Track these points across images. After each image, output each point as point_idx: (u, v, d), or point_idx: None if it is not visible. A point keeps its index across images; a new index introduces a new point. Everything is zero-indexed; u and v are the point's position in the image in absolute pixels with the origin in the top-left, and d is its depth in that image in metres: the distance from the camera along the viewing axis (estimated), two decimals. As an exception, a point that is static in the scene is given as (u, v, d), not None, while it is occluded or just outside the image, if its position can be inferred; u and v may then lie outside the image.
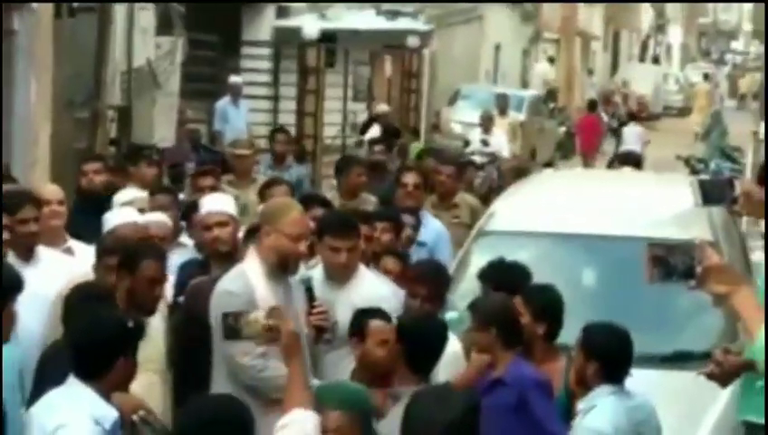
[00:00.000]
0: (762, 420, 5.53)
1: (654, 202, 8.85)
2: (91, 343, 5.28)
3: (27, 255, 7.49)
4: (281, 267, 6.64)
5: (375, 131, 18.95)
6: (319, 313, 6.70)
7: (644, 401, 6.07)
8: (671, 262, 4.38)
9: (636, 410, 5.94)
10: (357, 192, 10.66)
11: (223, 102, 19.59)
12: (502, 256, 7.17)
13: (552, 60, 39.83)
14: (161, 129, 16.98)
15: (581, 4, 43.16)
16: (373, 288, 7.05)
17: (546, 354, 6.63)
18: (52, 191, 8.46)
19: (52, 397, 5.34)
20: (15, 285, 5.71)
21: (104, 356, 5.25)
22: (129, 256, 6.95)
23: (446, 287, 7.49)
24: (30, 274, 7.08)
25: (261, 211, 7.47)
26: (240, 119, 19.28)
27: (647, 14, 55.16)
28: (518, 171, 15.70)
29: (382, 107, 21.57)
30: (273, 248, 6.64)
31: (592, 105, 32.69)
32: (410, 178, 10.08)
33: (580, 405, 5.93)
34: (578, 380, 6.07)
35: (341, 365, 6.76)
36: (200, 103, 20.41)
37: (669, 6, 58.53)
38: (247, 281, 6.63)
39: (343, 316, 6.84)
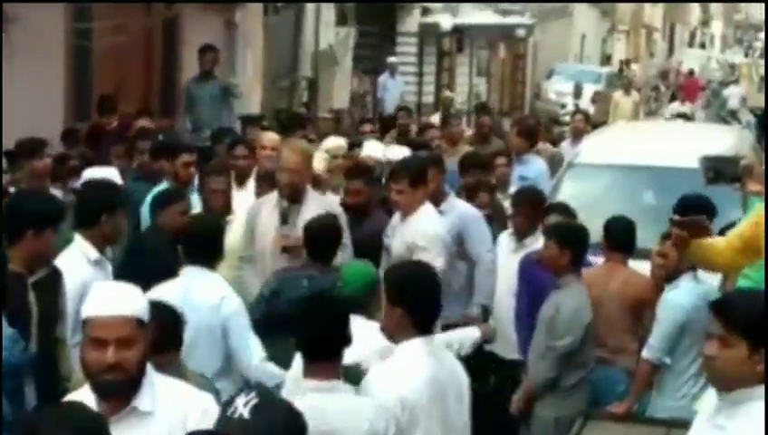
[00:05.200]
0: None
1: (702, 143, 8.61)
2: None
3: (241, 181, 7.35)
4: (279, 190, 6.18)
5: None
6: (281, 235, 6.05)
7: (714, 287, 5.46)
8: (722, 170, 4.23)
9: (710, 292, 5.21)
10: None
11: (383, 77, 19.50)
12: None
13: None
14: (338, 96, 17.13)
15: (647, 4, 42.27)
16: (421, 226, 6.20)
17: None
18: (270, 139, 8.03)
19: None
20: (120, 198, 5.33)
21: None
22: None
23: (542, 204, 6.88)
24: (241, 196, 7.01)
25: None
26: (396, 89, 19.14)
27: (695, 11, 53.70)
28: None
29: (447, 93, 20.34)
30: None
31: (691, 72, 33.82)
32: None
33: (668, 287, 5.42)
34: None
35: None
36: (366, 77, 20.50)
37: (713, 5, 56.88)
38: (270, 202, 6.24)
39: (396, 245, 6.20)
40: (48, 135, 8.16)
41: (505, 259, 6.70)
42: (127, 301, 3.15)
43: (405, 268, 4.45)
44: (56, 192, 6.96)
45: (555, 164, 10.02)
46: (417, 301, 4.03)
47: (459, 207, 6.84)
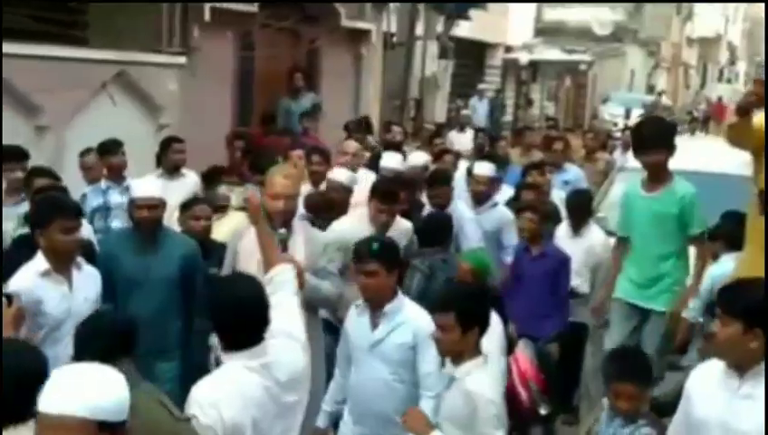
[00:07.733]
0: None
1: (726, 154, 8.19)
2: None
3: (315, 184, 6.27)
4: (269, 220, 4.24)
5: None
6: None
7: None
8: None
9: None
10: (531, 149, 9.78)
11: (474, 99, 19.24)
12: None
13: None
14: (439, 112, 17.07)
15: (684, 45, 41.04)
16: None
17: None
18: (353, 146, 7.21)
19: None
20: (51, 213, 3.93)
21: None
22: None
23: (589, 205, 6.61)
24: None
25: None
26: (483, 109, 18.87)
27: (724, 52, 51.92)
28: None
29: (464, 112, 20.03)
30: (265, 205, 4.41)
31: (720, 99, 31.74)
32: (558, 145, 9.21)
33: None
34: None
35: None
36: (461, 99, 20.36)
37: (739, 47, 54.90)
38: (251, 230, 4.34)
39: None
40: (219, 137, 8.26)
41: (564, 245, 6.42)
42: (80, 398, 1.85)
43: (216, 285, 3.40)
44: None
45: (609, 169, 9.82)
46: (222, 320, 2.98)
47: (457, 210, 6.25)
